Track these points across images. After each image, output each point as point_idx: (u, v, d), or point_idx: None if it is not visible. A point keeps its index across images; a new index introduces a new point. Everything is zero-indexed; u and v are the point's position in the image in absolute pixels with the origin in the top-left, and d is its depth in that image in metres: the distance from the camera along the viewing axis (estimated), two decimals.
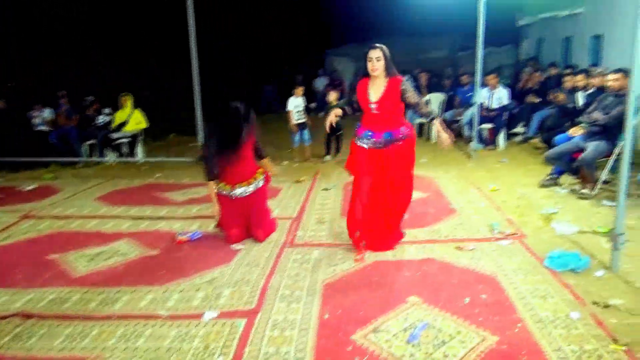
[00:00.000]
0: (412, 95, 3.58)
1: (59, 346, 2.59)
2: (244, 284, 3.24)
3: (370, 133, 3.62)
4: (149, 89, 10.37)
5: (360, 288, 3.14)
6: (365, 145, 3.64)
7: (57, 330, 2.75)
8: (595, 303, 2.79)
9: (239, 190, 3.88)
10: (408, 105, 3.64)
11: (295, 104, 7.30)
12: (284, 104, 13.34)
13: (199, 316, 2.85)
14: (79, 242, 4.14)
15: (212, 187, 3.94)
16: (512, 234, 3.92)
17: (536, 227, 4.10)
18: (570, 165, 5.08)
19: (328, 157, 7.35)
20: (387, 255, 3.64)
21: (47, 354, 2.53)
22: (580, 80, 6.38)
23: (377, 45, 3.53)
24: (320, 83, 13.33)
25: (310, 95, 13.00)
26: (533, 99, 8.24)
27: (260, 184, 3.97)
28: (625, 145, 3.03)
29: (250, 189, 3.91)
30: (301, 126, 7.33)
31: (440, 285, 3.12)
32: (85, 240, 4.17)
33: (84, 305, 3.02)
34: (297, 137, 7.37)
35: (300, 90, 7.39)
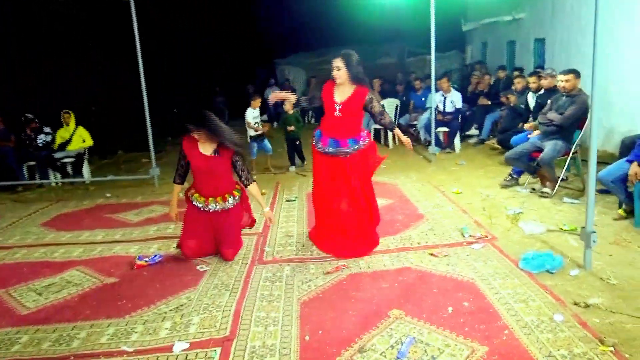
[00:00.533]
0: (377, 106, 3.76)
1: None
2: (214, 309, 3.01)
3: (330, 140, 3.70)
4: (97, 105, 9.84)
5: (338, 304, 2.99)
6: (325, 151, 3.73)
7: None
8: (575, 304, 2.78)
9: (212, 206, 3.70)
10: (371, 115, 3.80)
11: (254, 115, 7.17)
12: (232, 115, 13.03)
13: (168, 349, 2.60)
14: (25, 274, 3.76)
15: (176, 192, 3.86)
16: (483, 237, 3.91)
17: (505, 229, 4.12)
18: (529, 165, 5.18)
19: (293, 168, 7.23)
20: (362, 267, 3.53)
21: None
22: (533, 82, 6.57)
23: (341, 53, 3.65)
24: (271, 93, 13.15)
25: (262, 106, 12.81)
26: (484, 101, 8.45)
27: (234, 202, 3.78)
28: (592, 144, 3.06)
29: (228, 205, 3.73)
30: (260, 137, 7.19)
31: (420, 295, 3.03)
32: (32, 272, 3.79)
33: (35, 347, 2.69)
34: (255, 149, 7.19)
35: (257, 101, 7.30)
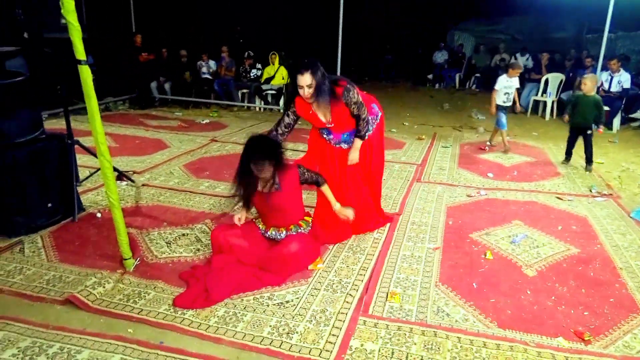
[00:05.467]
0: (355, 109, 3.22)
1: None
2: (387, 198, 4.42)
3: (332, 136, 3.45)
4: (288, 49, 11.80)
5: (475, 212, 4.18)
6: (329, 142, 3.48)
7: None
8: None
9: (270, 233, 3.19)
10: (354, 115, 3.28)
11: (506, 85, 6.16)
12: (399, 72, 13.95)
13: None
14: None
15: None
16: (609, 194, 4.67)
17: (632, 193, 4.79)
18: None
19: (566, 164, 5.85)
20: (497, 195, 4.61)
21: None
22: None
23: (305, 67, 2.98)
24: (440, 56, 13.93)
25: (429, 68, 13.81)
26: None
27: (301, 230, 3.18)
28: None
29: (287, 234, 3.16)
30: (503, 109, 6.25)
31: (539, 217, 4.06)
32: None
33: None
34: (503, 119, 6.21)
35: (516, 70, 6.14)
